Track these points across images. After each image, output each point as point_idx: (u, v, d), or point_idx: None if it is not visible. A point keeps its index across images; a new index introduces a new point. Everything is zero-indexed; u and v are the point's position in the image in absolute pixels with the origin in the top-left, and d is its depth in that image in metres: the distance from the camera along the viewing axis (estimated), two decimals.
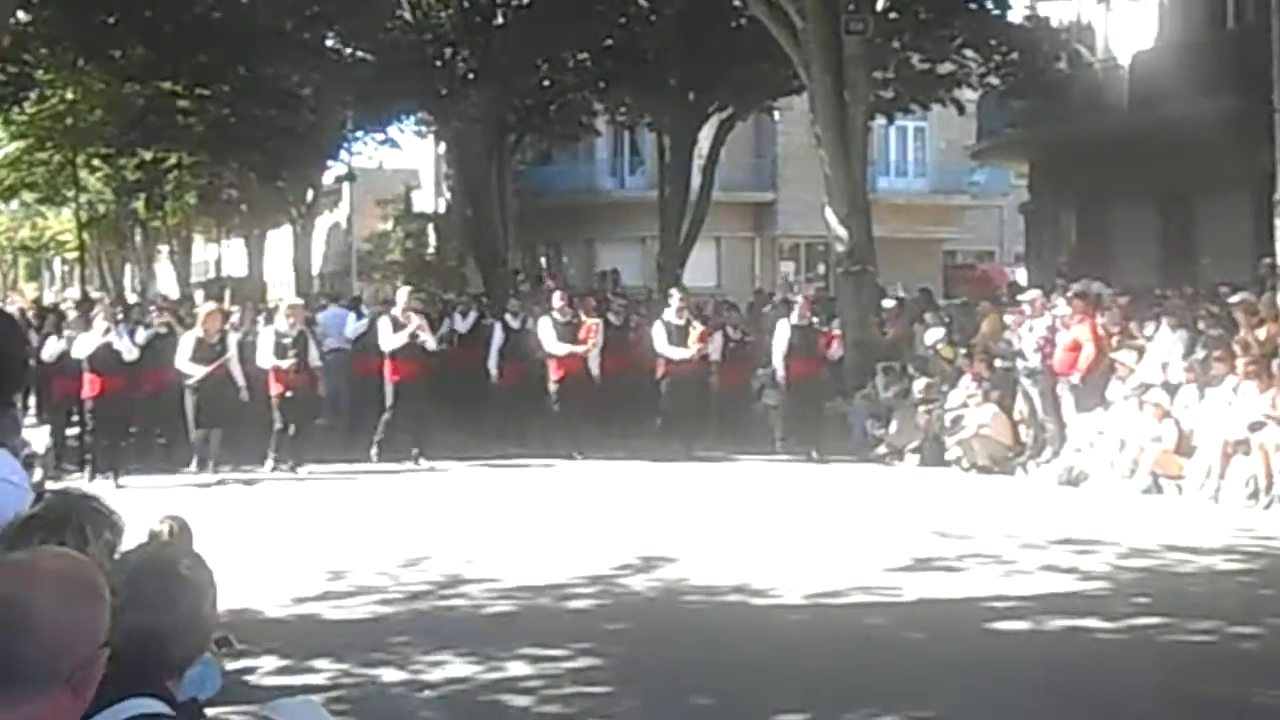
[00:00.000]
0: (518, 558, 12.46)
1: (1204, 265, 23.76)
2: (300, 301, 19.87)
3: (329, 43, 31.04)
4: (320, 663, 9.10)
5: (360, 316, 21.43)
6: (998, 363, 19.08)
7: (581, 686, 8.68)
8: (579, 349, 19.76)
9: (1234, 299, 18.08)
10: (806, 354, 19.71)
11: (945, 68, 28.35)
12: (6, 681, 2.45)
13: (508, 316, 21.41)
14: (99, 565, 3.10)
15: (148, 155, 38.87)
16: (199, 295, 23.99)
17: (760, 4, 22.55)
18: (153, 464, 18.25)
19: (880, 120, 29.92)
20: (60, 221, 52.34)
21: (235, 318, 20.19)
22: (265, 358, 18.13)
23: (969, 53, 28.00)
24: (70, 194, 43.49)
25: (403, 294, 20.44)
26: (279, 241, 47.09)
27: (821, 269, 39.14)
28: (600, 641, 9.75)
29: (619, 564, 12.23)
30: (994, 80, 29.02)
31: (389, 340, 18.94)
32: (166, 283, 55.09)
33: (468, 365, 21.26)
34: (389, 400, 18.99)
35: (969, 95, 30.14)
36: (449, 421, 20.72)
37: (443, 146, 38.35)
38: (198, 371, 17.41)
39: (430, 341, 19.27)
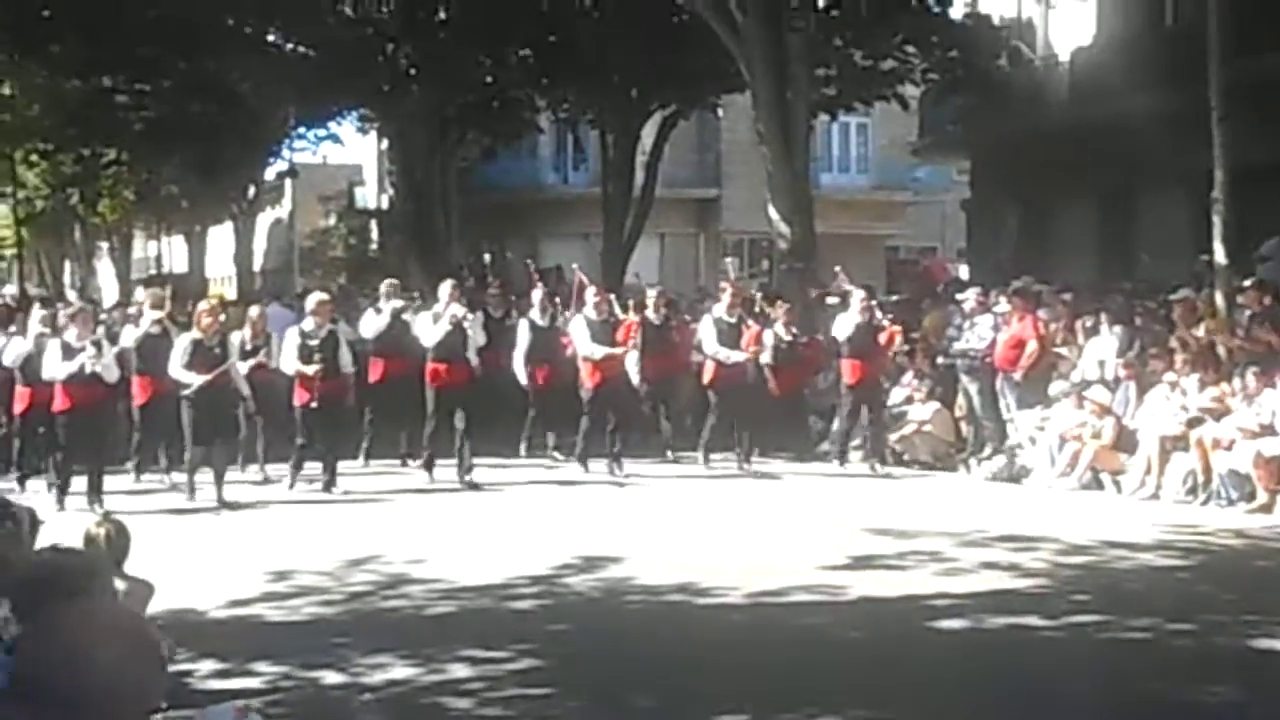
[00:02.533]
0: (463, 559, 12.44)
1: (1144, 262, 23.96)
2: (327, 297, 17.46)
3: (270, 38, 30.90)
4: (259, 665, 9.05)
5: (379, 312, 18.26)
6: (939, 359, 19.20)
7: (523, 688, 8.67)
8: (616, 351, 18.05)
9: (1173, 296, 18.25)
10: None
11: (887, 65, 28.45)
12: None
13: (532, 314, 19.28)
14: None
15: (86, 151, 38.67)
16: (139, 292, 23.53)
17: (703, 1, 22.57)
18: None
19: (823, 117, 30.03)
20: None
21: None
22: (289, 363, 16.19)
23: (910, 49, 28.11)
24: (7, 190, 43.10)
25: (445, 287, 17.63)
26: (220, 238, 46.80)
27: (765, 265, 39.24)
28: (542, 642, 9.73)
29: (561, 564, 12.22)
30: (935, 77, 29.17)
31: (429, 337, 17.03)
32: (106, 280, 54.65)
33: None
34: (430, 407, 17.01)
35: (911, 92, 30.25)
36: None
37: (385, 142, 38.21)
38: (195, 380, 15.09)
39: (480, 336, 17.50)
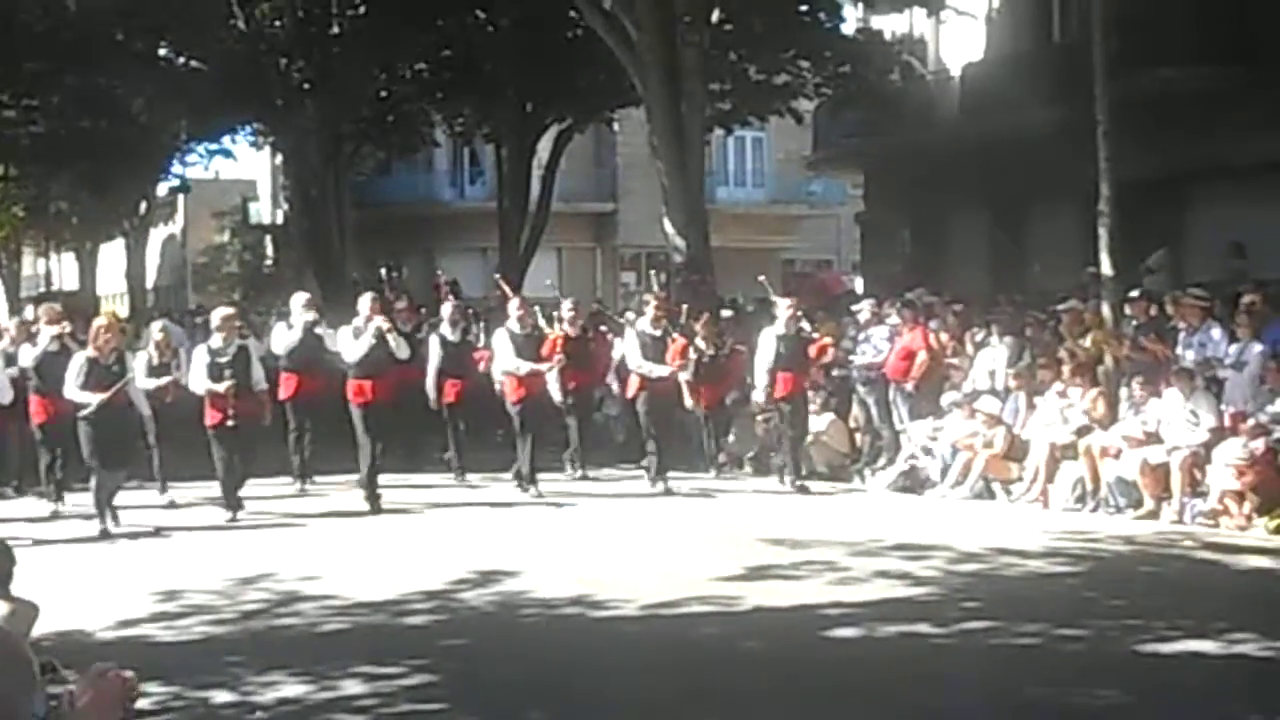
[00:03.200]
0: (358, 576, 12.36)
1: (1034, 274, 24.25)
2: (233, 311, 16.56)
3: (161, 52, 30.57)
4: (149, 686, 8.89)
5: (290, 327, 17.42)
6: (835, 371, 19.34)
7: (417, 704, 8.62)
8: (541, 366, 17.25)
9: (1061, 307, 18.51)
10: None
11: (781, 79, 28.66)
12: None
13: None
14: None
15: None
16: (29, 310, 23.11)
17: (596, 15, 22.61)
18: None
19: (718, 131, 30.21)
20: None
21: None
22: (199, 381, 15.44)
23: (804, 64, 28.35)
24: None
25: (366, 300, 16.76)
26: (112, 255, 46.27)
27: (663, 278, 39.35)
28: (437, 658, 9.68)
29: (457, 579, 12.18)
30: (829, 91, 29.40)
31: (352, 352, 16.20)
32: None
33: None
34: (360, 428, 16.14)
35: (805, 106, 30.48)
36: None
37: (279, 157, 37.86)
38: (92, 399, 14.39)
39: (404, 350, 16.63)
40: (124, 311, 35.89)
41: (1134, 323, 17.15)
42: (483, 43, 28.03)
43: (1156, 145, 19.94)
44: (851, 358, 18.97)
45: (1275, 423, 14.47)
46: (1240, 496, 14.32)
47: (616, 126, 35.95)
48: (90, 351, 14.71)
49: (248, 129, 36.48)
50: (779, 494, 17.32)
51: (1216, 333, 15.87)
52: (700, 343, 18.47)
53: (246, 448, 15.69)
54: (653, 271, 24.60)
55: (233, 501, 15.37)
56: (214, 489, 15.87)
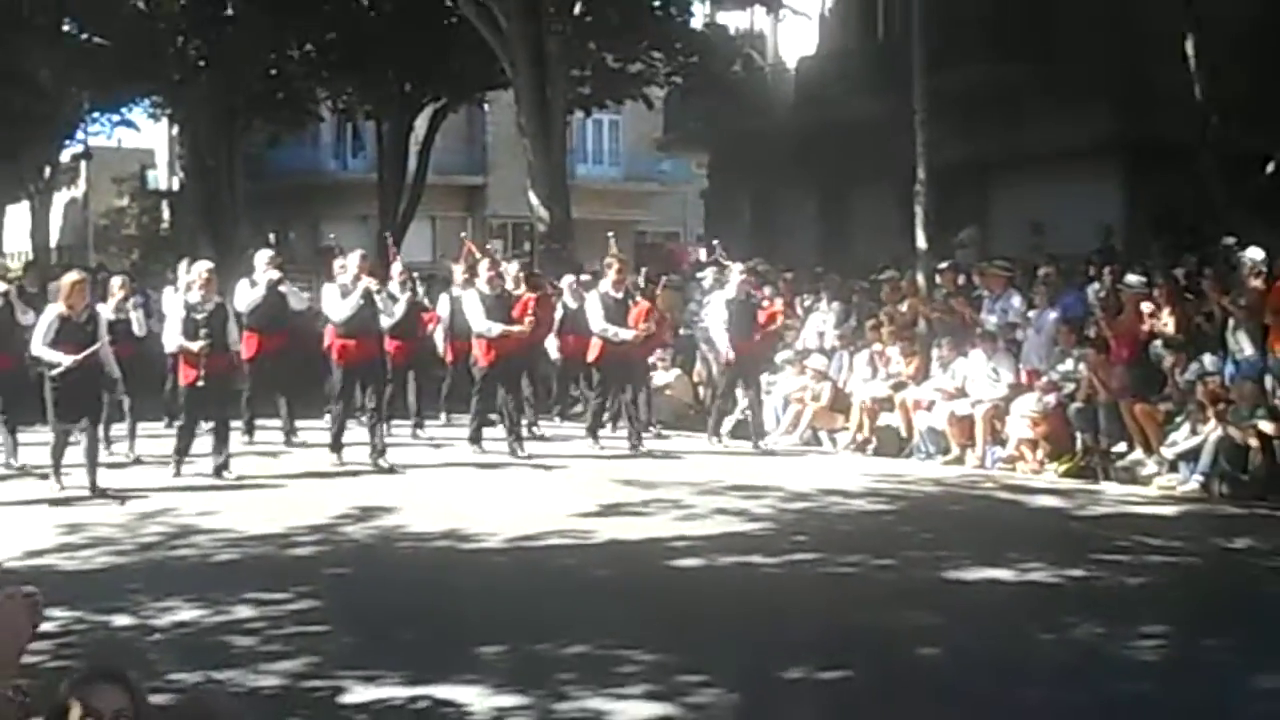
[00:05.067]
0: (250, 512, 12.18)
1: (858, 246, 24.50)
2: (211, 266, 14.32)
3: (65, 28, 29.74)
4: (54, 611, 8.73)
5: (253, 284, 15.49)
6: (680, 331, 19.39)
7: (302, 626, 8.54)
8: (513, 328, 15.52)
9: (882, 276, 18.74)
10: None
11: (635, 67, 28.60)
12: None
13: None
14: None
15: None
16: None
17: (470, 4, 22.44)
18: None
19: (578, 113, 30.08)
20: None
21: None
22: (173, 339, 13.74)
23: (656, 55, 28.31)
24: None
25: (354, 258, 15.09)
26: (17, 217, 44.92)
27: (527, 247, 39.15)
28: (320, 585, 9.60)
29: (340, 514, 12.09)
30: (678, 80, 29.42)
31: (338, 311, 14.69)
32: None
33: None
34: (339, 386, 14.93)
35: (657, 93, 30.47)
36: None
37: (176, 128, 37.12)
38: (64, 359, 12.56)
39: (392, 309, 15.21)
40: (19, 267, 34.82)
41: (944, 290, 17.41)
42: (365, 27, 27.68)
43: (966, 134, 20.22)
44: (695, 320, 19.00)
45: (1065, 380, 14.76)
46: (1034, 445, 14.63)
47: (487, 107, 35.70)
48: (61, 308, 12.82)
49: (147, 101, 35.69)
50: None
51: (1016, 300, 16.14)
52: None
53: (219, 406, 13.95)
54: (495, 241, 24.24)
55: (181, 458, 13.76)
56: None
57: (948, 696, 7.21)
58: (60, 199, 46.27)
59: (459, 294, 17.39)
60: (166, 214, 45.42)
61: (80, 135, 39.83)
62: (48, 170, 41.71)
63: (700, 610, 8.92)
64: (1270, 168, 18.10)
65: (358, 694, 7.15)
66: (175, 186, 43.68)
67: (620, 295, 16.47)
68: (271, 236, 37.24)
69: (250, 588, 9.40)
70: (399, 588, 9.58)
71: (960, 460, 15.12)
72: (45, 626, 8.27)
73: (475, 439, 15.74)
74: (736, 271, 16.93)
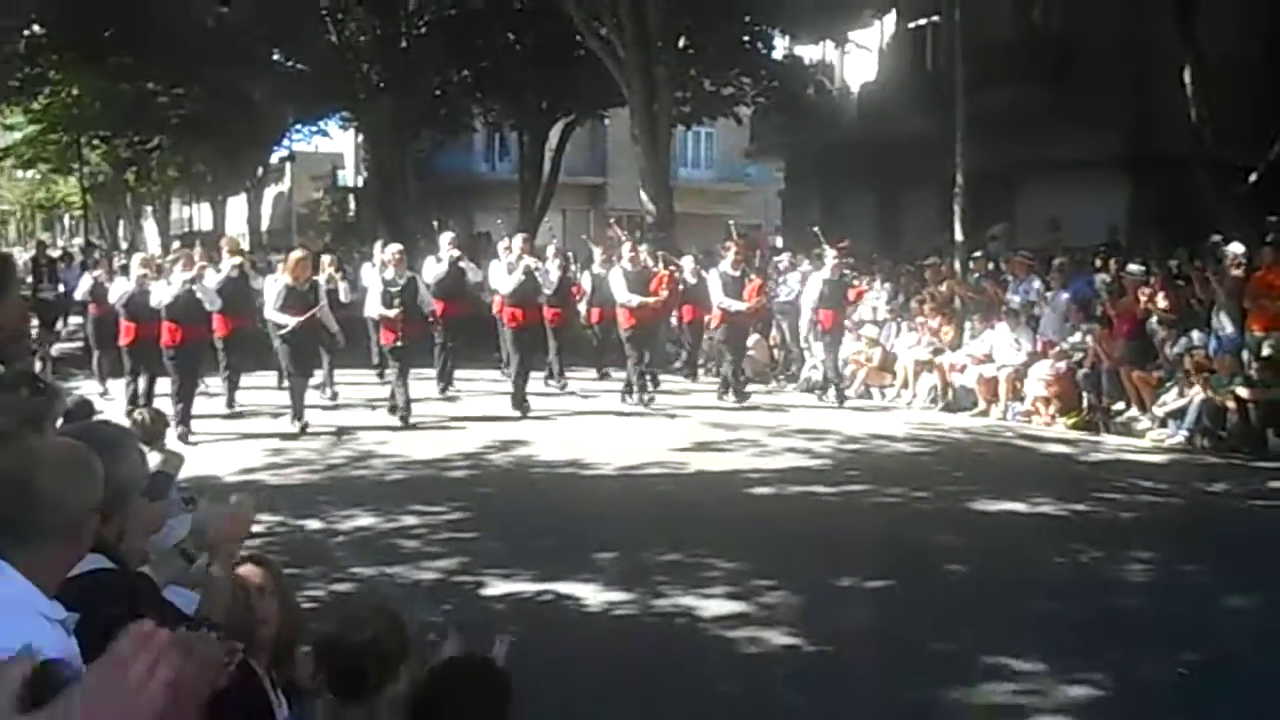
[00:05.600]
0: (415, 442, 12.41)
1: (906, 238, 24.21)
2: (400, 247, 14.12)
3: (275, 57, 30.18)
4: (262, 516, 8.96)
5: (439, 261, 15.20)
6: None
7: (455, 533, 8.72)
8: (650, 300, 15.24)
9: (925, 262, 18.52)
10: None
11: (727, 90, 28.40)
12: (15, 533, 2.41)
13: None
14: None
15: (136, 139, 37.67)
16: (176, 244, 22.71)
17: (594, 39, 22.38)
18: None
19: (680, 126, 29.96)
20: (68, 187, 50.17)
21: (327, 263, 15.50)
22: (374, 307, 13.65)
23: (745, 80, 28.11)
24: (76, 166, 41.86)
25: (518, 240, 15.20)
26: (237, 206, 45.82)
27: (638, 234, 39.12)
28: (469, 500, 9.78)
29: (485, 445, 12.26)
30: (762, 100, 29.21)
31: (505, 284, 14.60)
32: (150, 235, 53.15)
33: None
34: (511, 345, 14.70)
35: (744, 111, 30.26)
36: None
37: (361, 136, 37.43)
38: (289, 321, 12.59)
39: (549, 283, 15.15)
40: (245, 247, 35.49)
41: (976, 275, 17.20)
42: (511, 57, 27.71)
43: (997, 146, 19.83)
44: (774, 294, 18.90)
45: (1075, 349, 14.55)
46: (1047, 402, 14.43)
47: (607, 121, 35.49)
48: (287, 279, 12.89)
49: (338, 115, 36.07)
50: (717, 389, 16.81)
51: (1036, 283, 15.90)
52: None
53: (408, 360, 13.57)
54: (613, 221, 24.18)
55: (404, 406, 13.28)
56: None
57: (972, 605, 7.20)
58: (270, 193, 47.05)
59: (599, 271, 17.07)
60: (352, 205, 45.89)
61: (286, 142, 40.40)
62: (260, 170, 42.49)
63: (771, 529, 8.99)
64: (1253, 178, 17.64)
65: (496, 588, 7.28)
66: (359, 183, 44.12)
67: (737, 273, 15.78)
68: (435, 224, 37.58)
69: (414, 501, 9.62)
70: (533, 505, 9.73)
71: (985, 414, 14.95)
72: (253, 528, 8.53)
73: (628, 390, 15.29)
74: (830, 255, 16.21)
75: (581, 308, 17.71)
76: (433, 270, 14.91)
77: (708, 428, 13.54)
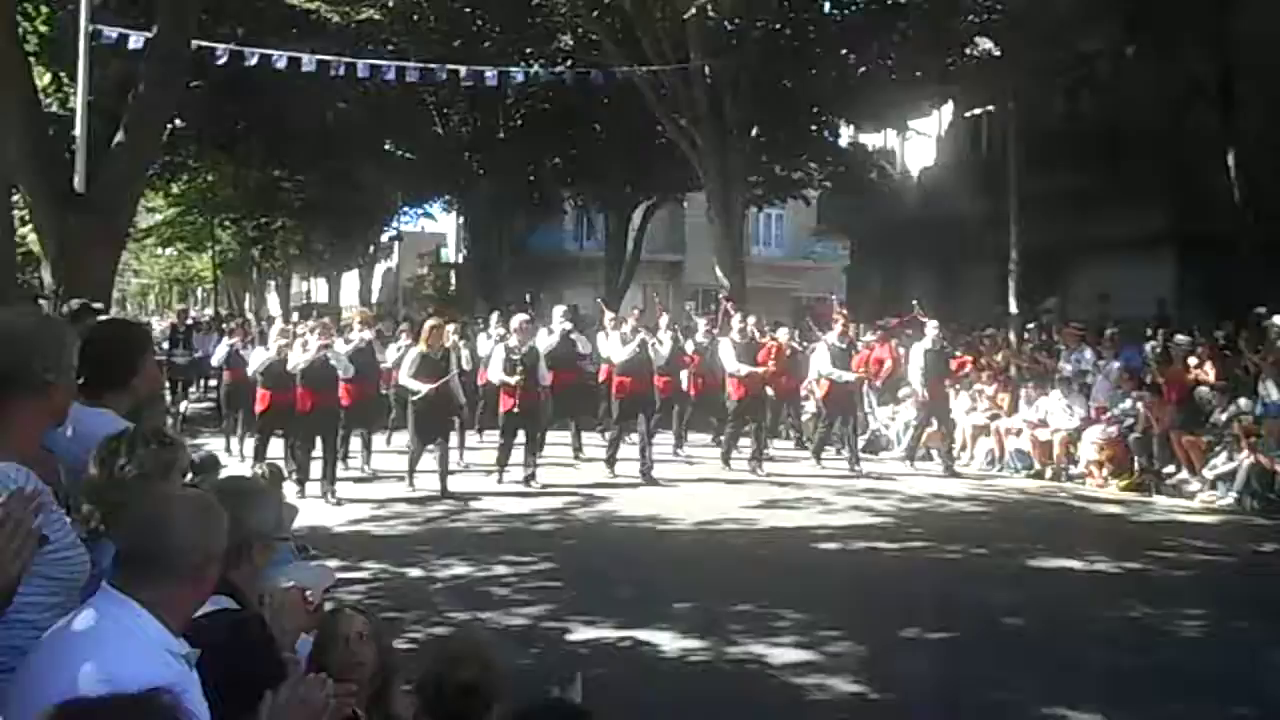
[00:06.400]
0: (506, 498, 12.45)
1: (964, 311, 23.96)
2: (527, 317, 13.66)
3: (386, 147, 30.88)
4: (368, 564, 9.07)
5: (550, 333, 14.76)
6: None
7: (542, 581, 8.69)
8: (758, 370, 14.67)
9: (983, 333, 18.32)
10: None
11: (796, 175, 28.51)
12: (151, 569, 2.46)
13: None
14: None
15: (263, 219, 38.74)
16: (295, 315, 23.07)
17: (674, 128, 22.62)
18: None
19: (753, 208, 30.07)
20: (201, 263, 51.63)
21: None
22: (496, 374, 13.09)
23: (812, 165, 28.18)
24: (209, 244, 43.09)
25: (632, 318, 15.03)
26: (350, 280, 46.78)
27: (713, 307, 39.08)
28: (556, 552, 9.77)
29: (571, 502, 12.25)
30: (828, 184, 29.25)
31: (619, 355, 14.20)
32: (273, 306, 54.42)
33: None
34: (615, 414, 14.23)
35: (812, 193, 30.32)
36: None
37: (462, 218, 38.10)
38: (422, 388, 12.11)
39: (661, 356, 14.36)
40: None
41: (1030, 345, 16.98)
42: (598, 146, 28.06)
43: (1048, 225, 19.65)
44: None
45: (1126, 415, 14.26)
46: (1100, 465, 14.13)
47: (685, 203, 35.71)
48: (422, 347, 12.51)
49: (442, 198, 36.81)
50: (783, 450, 16.52)
51: (1088, 353, 15.67)
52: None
53: (534, 427, 13.24)
54: (690, 303, 24.20)
55: (503, 466, 12.98)
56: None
57: (1032, 655, 7.04)
58: (379, 268, 47.92)
59: (702, 341, 16.19)
60: (453, 280, 46.61)
61: (395, 222, 41.21)
62: (371, 247, 43.45)
63: (837, 582, 8.88)
64: None
65: (580, 634, 7.24)
66: (460, 260, 44.86)
67: (845, 345, 15.19)
68: (528, 298, 37.97)
69: (505, 551, 9.63)
70: (614, 557, 9.67)
71: (1040, 475, 14.68)
72: (361, 574, 8.58)
73: (726, 458, 14.65)
74: (932, 326, 15.41)
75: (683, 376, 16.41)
76: (544, 341, 14.25)
77: (777, 488, 13.38)
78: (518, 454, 13.26)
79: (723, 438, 15.12)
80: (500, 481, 13.04)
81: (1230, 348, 14.18)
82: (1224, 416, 13.22)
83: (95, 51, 14.07)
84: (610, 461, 13.92)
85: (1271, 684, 6.56)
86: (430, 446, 12.59)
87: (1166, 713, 5.91)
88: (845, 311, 16.94)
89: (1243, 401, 13.19)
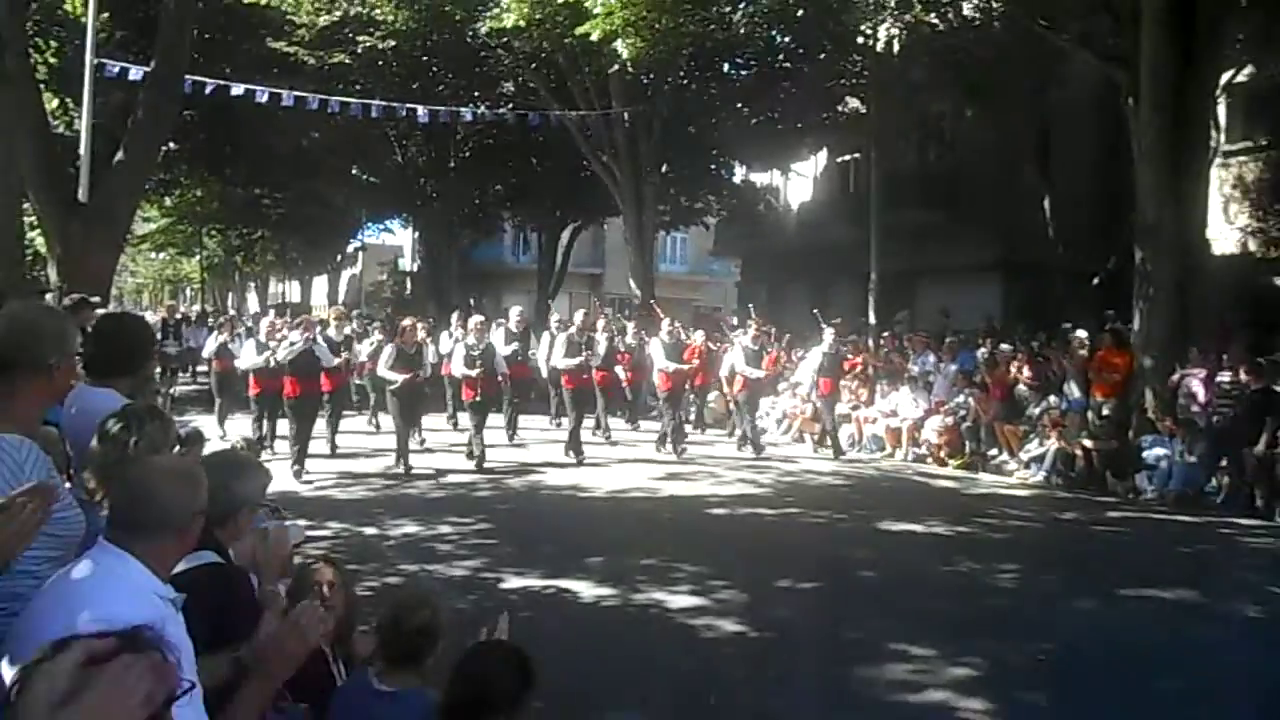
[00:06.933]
0: (451, 466, 12.31)
1: (833, 319, 24.25)
2: (482, 319, 13.22)
3: (353, 171, 30.36)
4: (331, 523, 8.91)
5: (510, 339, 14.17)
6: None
7: (480, 539, 8.63)
8: (684, 366, 14.41)
9: (848, 339, 18.52)
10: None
11: (698, 205, 28.68)
12: (141, 525, 2.41)
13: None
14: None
15: (245, 231, 37.82)
16: (272, 313, 22.40)
17: (598, 164, 22.61)
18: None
19: (661, 231, 30.16)
20: (190, 266, 50.24)
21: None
22: (457, 368, 13.00)
23: (711, 197, 28.38)
24: (197, 251, 41.96)
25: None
26: (319, 283, 45.89)
27: (626, 313, 39.09)
28: (492, 514, 9.69)
29: (504, 471, 12.17)
30: (724, 213, 29.45)
31: (559, 359, 13.75)
32: (252, 305, 53.04)
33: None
34: (569, 405, 13.60)
35: (710, 220, 30.50)
36: None
37: (417, 233, 37.61)
38: (398, 378, 11.83)
39: (599, 355, 14.16)
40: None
41: (885, 349, 17.25)
42: (534, 176, 27.93)
43: (902, 252, 20.01)
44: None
45: (959, 408, 14.54)
46: (939, 448, 14.41)
47: (606, 225, 35.68)
48: (398, 342, 12.35)
49: (400, 216, 36.30)
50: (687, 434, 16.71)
51: (931, 357, 15.95)
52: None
53: (484, 414, 12.53)
54: (607, 309, 24.32)
55: (479, 453, 12.27)
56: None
57: (878, 603, 7.15)
58: (345, 274, 47.12)
59: (631, 342, 16.30)
60: (409, 285, 45.98)
61: (359, 235, 40.58)
62: (339, 256, 42.69)
63: (725, 541, 8.92)
64: (1096, 281, 17.85)
65: (511, 583, 7.20)
66: (415, 268, 44.24)
67: (757, 347, 14.80)
68: (471, 301, 37.59)
69: (449, 514, 9.54)
70: (541, 519, 9.64)
71: (891, 456, 14.92)
72: (325, 532, 8.42)
73: (661, 442, 14.22)
74: (830, 331, 15.23)
75: (620, 371, 16.24)
76: (498, 338, 14.00)
77: (678, 463, 13.40)
78: (490, 436, 12.78)
79: (661, 426, 14.53)
80: (470, 458, 12.35)
81: (1043, 355, 14.58)
82: (1037, 410, 13.55)
83: (99, 82, 13.62)
84: (574, 449, 13.14)
85: (1071, 625, 6.78)
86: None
87: (987, 648, 6.05)
88: (759, 318, 16.71)
89: (1052, 398, 13.54)
